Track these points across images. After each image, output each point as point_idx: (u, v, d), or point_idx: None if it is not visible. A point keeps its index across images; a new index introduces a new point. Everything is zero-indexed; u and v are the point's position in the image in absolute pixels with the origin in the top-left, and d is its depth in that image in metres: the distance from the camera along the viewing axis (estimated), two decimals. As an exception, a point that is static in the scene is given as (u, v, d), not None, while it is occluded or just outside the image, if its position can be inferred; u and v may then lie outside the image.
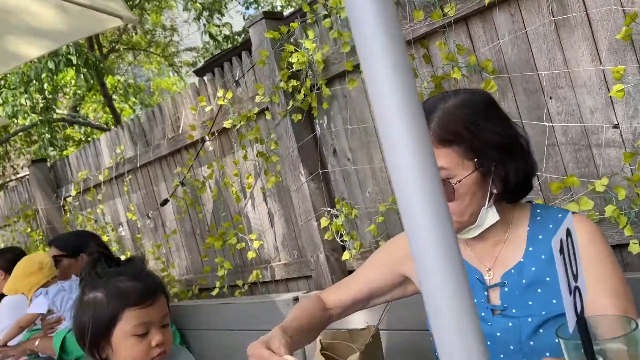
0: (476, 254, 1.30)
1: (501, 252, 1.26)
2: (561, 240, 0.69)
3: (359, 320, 2.28)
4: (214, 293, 3.46)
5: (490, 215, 1.22)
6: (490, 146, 1.17)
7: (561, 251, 0.68)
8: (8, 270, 3.45)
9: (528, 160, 1.24)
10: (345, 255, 2.66)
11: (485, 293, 1.25)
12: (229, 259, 3.45)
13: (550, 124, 1.96)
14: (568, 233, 0.71)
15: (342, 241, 2.68)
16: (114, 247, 4.34)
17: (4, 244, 6.02)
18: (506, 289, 1.23)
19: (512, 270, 1.23)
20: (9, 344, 2.96)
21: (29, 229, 5.44)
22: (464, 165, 1.17)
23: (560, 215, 1.23)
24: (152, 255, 4.08)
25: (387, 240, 2.52)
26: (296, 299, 2.63)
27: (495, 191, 1.20)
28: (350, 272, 2.75)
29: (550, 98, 1.96)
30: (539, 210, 1.27)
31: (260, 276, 3.21)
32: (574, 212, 1.26)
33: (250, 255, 3.20)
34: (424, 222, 0.57)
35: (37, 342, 2.71)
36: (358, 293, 1.46)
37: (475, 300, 1.25)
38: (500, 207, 1.24)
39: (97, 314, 1.28)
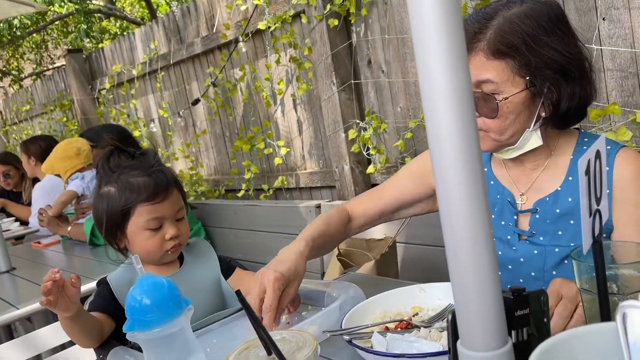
0: (512, 176, 1.26)
1: (538, 178, 1.22)
2: (588, 161, 0.66)
3: (377, 231, 2.32)
4: (239, 195, 3.56)
5: (533, 139, 1.15)
6: (548, 65, 1.08)
7: (587, 172, 0.66)
8: (39, 158, 3.58)
9: (587, 87, 1.13)
10: (370, 169, 2.67)
11: (515, 217, 1.23)
12: (256, 163, 3.50)
13: (600, 47, 1.84)
14: (597, 155, 0.68)
15: (368, 154, 2.67)
16: (144, 143, 4.44)
17: (41, 132, 6.22)
18: (537, 216, 1.19)
19: (547, 198, 1.19)
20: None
21: (64, 119, 5.58)
22: (514, 81, 1.08)
23: (609, 147, 1.15)
24: (181, 153, 4.17)
25: (413, 157, 2.51)
26: (318, 207, 2.69)
27: (543, 114, 1.13)
28: (374, 185, 2.77)
29: (604, 19, 1.83)
30: (586, 139, 1.20)
31: (285, 182, 3.27)
32: (624, 145, 1.19)
33: (277, 161, 3.24)
34: (449, 140, 0.55)
35: (69, 228, 2.86)
36: (386, 204, 1.44)
37: (502, 222, 1.25)
38: (545, 132, 1.17)
39: (110, 207, 1.31)
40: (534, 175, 1.23)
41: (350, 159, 2.71)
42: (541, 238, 1.19)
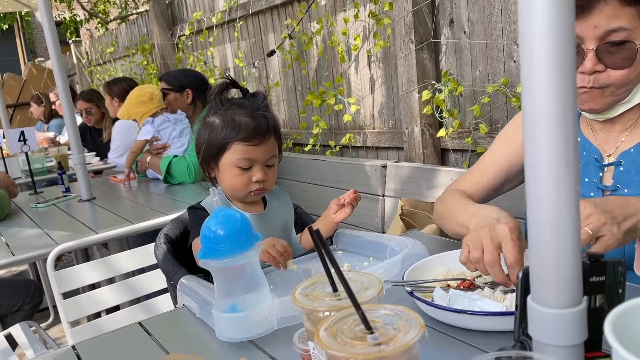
0: (599, 138, 1.23)
1: (625, 139, 1.19)
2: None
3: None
4: (306, 149, 3.59)
5: None
6: None
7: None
8: (121, 98, 3.75)
9: None
10: (441, 132, 2.61)
11: (600, 174, 1.20)
12: (325, 119, 3.51)
13: None
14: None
15: (440, 117, 2.61)
16: (219, 91, 4.54)
17: (122, 74, 6.49)
18: (621, 168, 1.17)
19: (632, 150, 1.17)
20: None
21: (145, 62, 5.78)
22: None
23: None
24: (253, 104, 4.24)
25: (488, 124, 2.44)
26: (384, 167, 2.68)
27: None
28: (443, 150, 2.72)
29: None
30: None
31: (352, 140, 3.26)
32: None
33: (346, 118, 3.23)
34: (542, 96, 0.53)
35: (149, 158, 3.01)
36: (491, 176, 1.36)
37: (587, 179, 1.22)
38: None
39: (211, 137, 1.38)
40: (621, 137, 1.20)
41: (422, 121, 2.66)
42: (625, 190, 1.16)
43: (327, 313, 0.70)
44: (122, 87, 3.89)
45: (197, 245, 1.28)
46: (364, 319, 0.61)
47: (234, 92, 1.45)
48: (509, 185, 1.39)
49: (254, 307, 0.97)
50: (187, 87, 3.15)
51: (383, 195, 2.66)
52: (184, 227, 1.56)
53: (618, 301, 0.78)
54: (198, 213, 1.40)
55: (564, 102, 0.53)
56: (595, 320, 0.65)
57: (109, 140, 4.15)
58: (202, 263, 0.96)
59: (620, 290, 0.76)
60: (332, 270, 0.68)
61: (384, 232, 2.46)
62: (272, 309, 0.99)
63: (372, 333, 0.60)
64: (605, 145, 1.22)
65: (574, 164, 0.55)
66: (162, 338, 1.06)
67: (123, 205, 2.63)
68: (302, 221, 1.53)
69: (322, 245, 0.68)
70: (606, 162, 1.21)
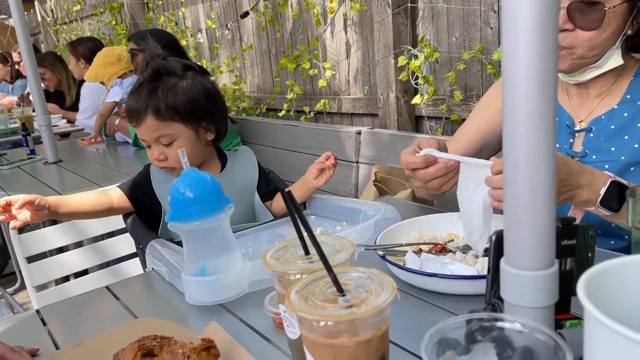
0: (573, 103, 1.24)
1: (598, 105, 1.20)
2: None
3: (416, 162, 2.29)
4: (280, 114, 3.54)
5: (614, 58, 1.12)
6: None
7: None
8: (87, 59, 3.62)
9: None
10: (416, 99, 2.60)
11: (571, 140, 1.22)
12: (300, 84, 3.45)
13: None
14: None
15: (416, 84, 2.60)
16: (191, 54, 4.42)
17: (90, 33, 6.25)
18: (591, 135, 1.19)
19: (603, 117, 1.18)
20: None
21: (113, 22, 5.57)
22: None
23: None
24: (226, 67, 4.14)
25: (464, 91, 2.43)
26: (359, 133, 2.66)
27: (630, 32, 1.11)
28: (418, 117, 2.71)
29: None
30: None
31: (327, 106, 3.23)
32: None
33: (321, 83, 3.19)
34: (524, 59, 0.52)
35: (117, 121, 2.93)
36: (467, 143, 1.35)
37: (557, 145, 1.23)
38: (621, 55, 1.14)
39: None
40: (594, 103, 1.21)
41: (397, 87, 2.64)
42: (594, 157, 1.18)
43: (298, 276, 0.69)
44: (87, 47, 3.75)
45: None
46: (336, 282, 0.60)
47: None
48: (488, 153, 1.39)
49: (225, 271, 0.95)
50: (157, 48, 3.06)
51: (357, 162, 2.65)
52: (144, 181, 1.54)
53: (587, 265, 0.78)
54: (139, 175, 1.42)
55: (545, 63, 0.52)
56: (565, 283, 0.65)
57: (75, 104, 4.02)
58: (170, 226, 0.93)
59: (589, 254, 0.76)
60: (304, 233, 0.67)
61: (357, 198, 2.46)
62: (243, 273, 0.97)
63: (343, 295, 0.59)
64: (579, 110, 1.23)
65: (552, 126, 0.54)
66: (130, 302, 1.04)
67: (91, 169, 2.56)
68: (274, 187, 1.50)
69: (294, 207, 0.66)
70: (577, 127, 1.22)
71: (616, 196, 1.00)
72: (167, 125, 1.30)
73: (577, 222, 1.01)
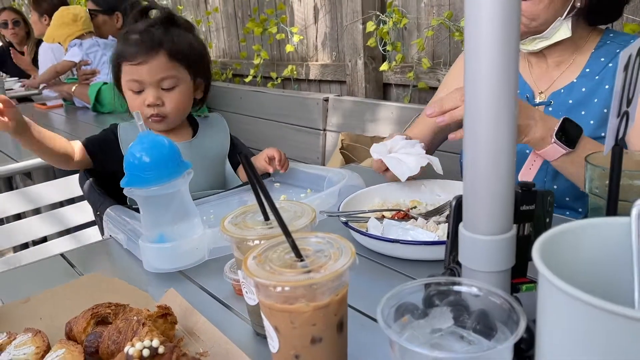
0: (533, 73, 1.24)
1: (559, 78, 1.20)
2: (630, 56, 0.61)
3: (383, 129, 2.29)
4: (247, 80, 3.47)
5: (562, 30, 1.11)
6: None
7: (626, 67, 0.61)
8: (52, 15, 3.44)
9: None
10: (384, 66, 2.57)
11: None
12: (267, 49, 3.38)
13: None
14: (640, 53, 0.63)
15: (384, 50, 2.57)
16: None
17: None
18: (550, 109, 1.19)
19: (562, 90, 1.18)
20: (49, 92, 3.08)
21: (72, -20, 5.32)
22: None
23: (632, 42, 1.12)
24: (191, 30, 4.02)
25: (431, 58, 2.41)
26: (326, 100, 2.63)
27: (578, 5, 1.10)
28: (386, 84, 2.70)
29: None
30: (611, 35, 1.17)
31: (295, 72, 3.17)
32: None
33: (289, 48, 3.13)
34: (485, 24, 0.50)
35: (74, 88, 2.82)
36: (432, 122, 1.36)
37: None
38: (576, 27, 1.14)
39: (112, 58, 1.31)
40: (555, 74, 1.20)
41: (365, 54, 2.61)
42: None
43: (257, 242, 0.67)
44: (52, 3, 3.54)
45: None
46: (294, 247, 0.59)
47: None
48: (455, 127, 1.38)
49: (183, 238, 0.93)
50: (117, 10, 2.92)
51: (324, 130, 2.63)
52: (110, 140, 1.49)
53: (545, 230, 0.79)
54: (104, 132, 1.36)
55: (508, 31, 0.51)
56: (522, 247, 0.66)
57: (33, 64, 3.84)
58: (126, 191, 0.90)
59: (547, 220, 0.77)
60: (263, 198, 0.65)
61: (324, 165, 2.45)
62: (203, 240, 0.95)
63: (302, 261, 0.58)
64: (539, 82, 1.23)
65: (513, 90, 0.53)
66: (87, 270, 1.01)
67: (48, 134, 2.47)
68: (239, 153, 1.47)
69: (252, 172, 0.64)
70: (537, 100, 1.22)
71: (572, 133, 0.98)
72: (175, 67, 1.28)
73: (534, 170, 1.02)
